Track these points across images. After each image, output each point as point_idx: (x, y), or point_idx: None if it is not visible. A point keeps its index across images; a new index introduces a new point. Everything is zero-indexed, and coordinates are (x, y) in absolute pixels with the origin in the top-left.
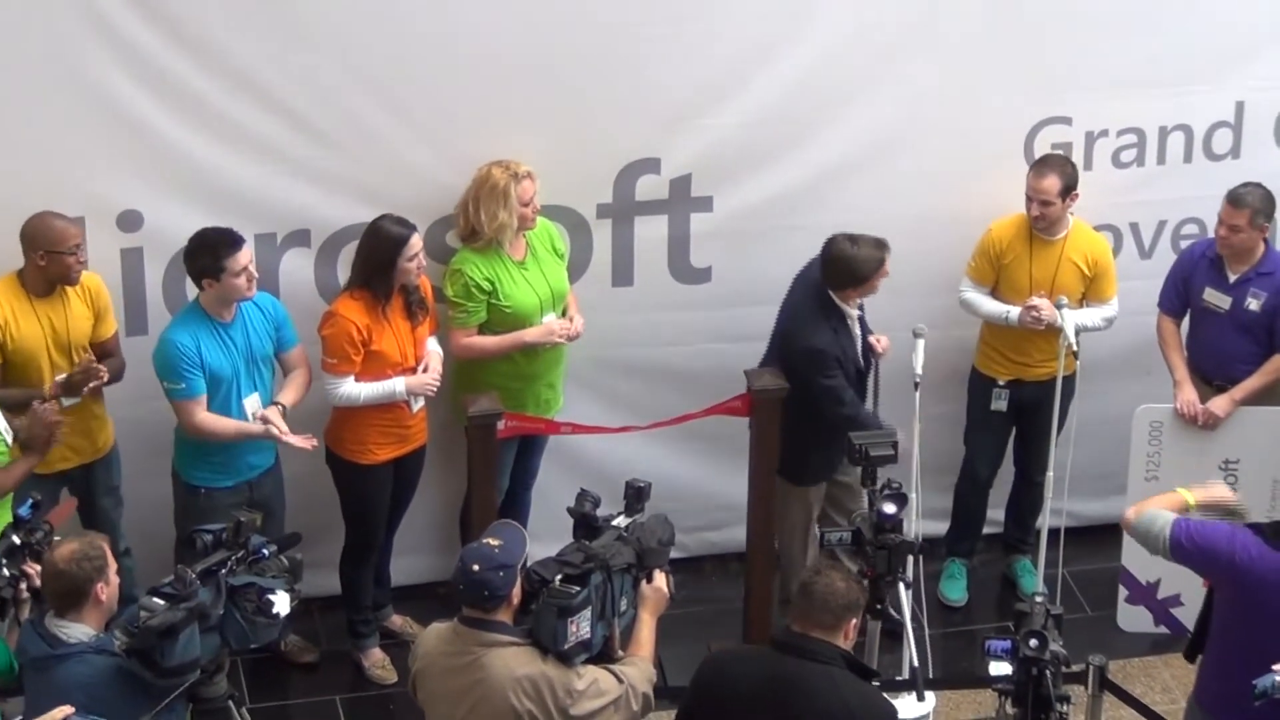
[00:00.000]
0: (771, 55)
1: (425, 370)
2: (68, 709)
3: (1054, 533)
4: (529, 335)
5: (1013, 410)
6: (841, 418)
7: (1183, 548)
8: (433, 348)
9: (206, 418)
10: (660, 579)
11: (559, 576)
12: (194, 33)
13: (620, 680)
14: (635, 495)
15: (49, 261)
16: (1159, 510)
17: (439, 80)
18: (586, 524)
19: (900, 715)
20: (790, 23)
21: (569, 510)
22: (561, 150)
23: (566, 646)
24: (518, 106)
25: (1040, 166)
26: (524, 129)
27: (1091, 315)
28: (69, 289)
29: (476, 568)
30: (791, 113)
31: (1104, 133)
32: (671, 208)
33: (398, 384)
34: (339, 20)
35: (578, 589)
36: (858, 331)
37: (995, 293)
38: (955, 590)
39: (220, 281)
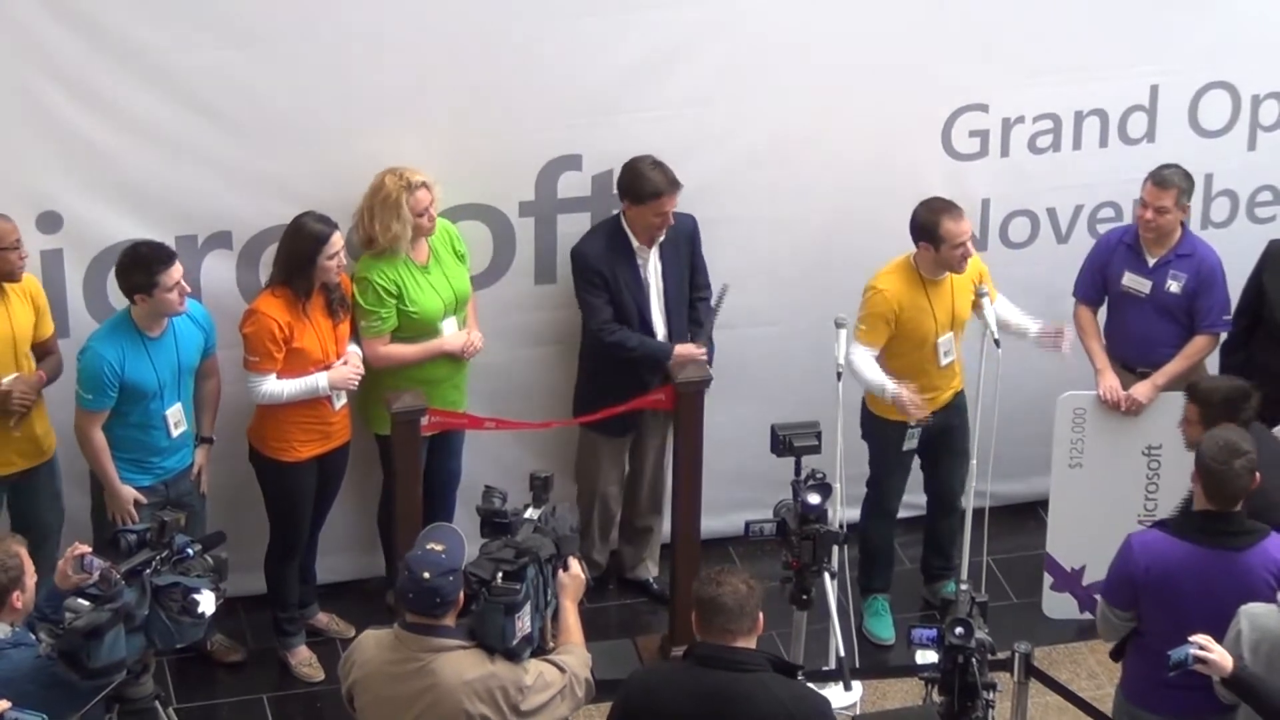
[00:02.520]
0: (689, 49)
1: (346, 364)
2: (4, 703)
3: (977, 521)
4: (449, 344)
5: (925, 445)
6: (596, 332)
7: (1115, 594)
8: (353, 348)
9: (97, 434)
10: (575, 565)
11: (499, 574)
12: (112, 31)
13: (562, 670)
14: (542, 486)
15: None
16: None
17: (359, 79)
18: (496, 519)
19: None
20: (708, 15)
21: (478, 509)
22: (483, 149)
23: (514, 643)
24: (438, 105)
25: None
26: (445, 128)
27: (1009, 310)
28: (10, 289)
29: (427, 575)
30: (710, 106)
31: (1020, 119)
32: (594, 204)
33: (320, 379)
34: (260, 19)
35: (518, 585)
36: (649, 279)
37: (892, 343)
38: (884, 629)
39: (153, 297)
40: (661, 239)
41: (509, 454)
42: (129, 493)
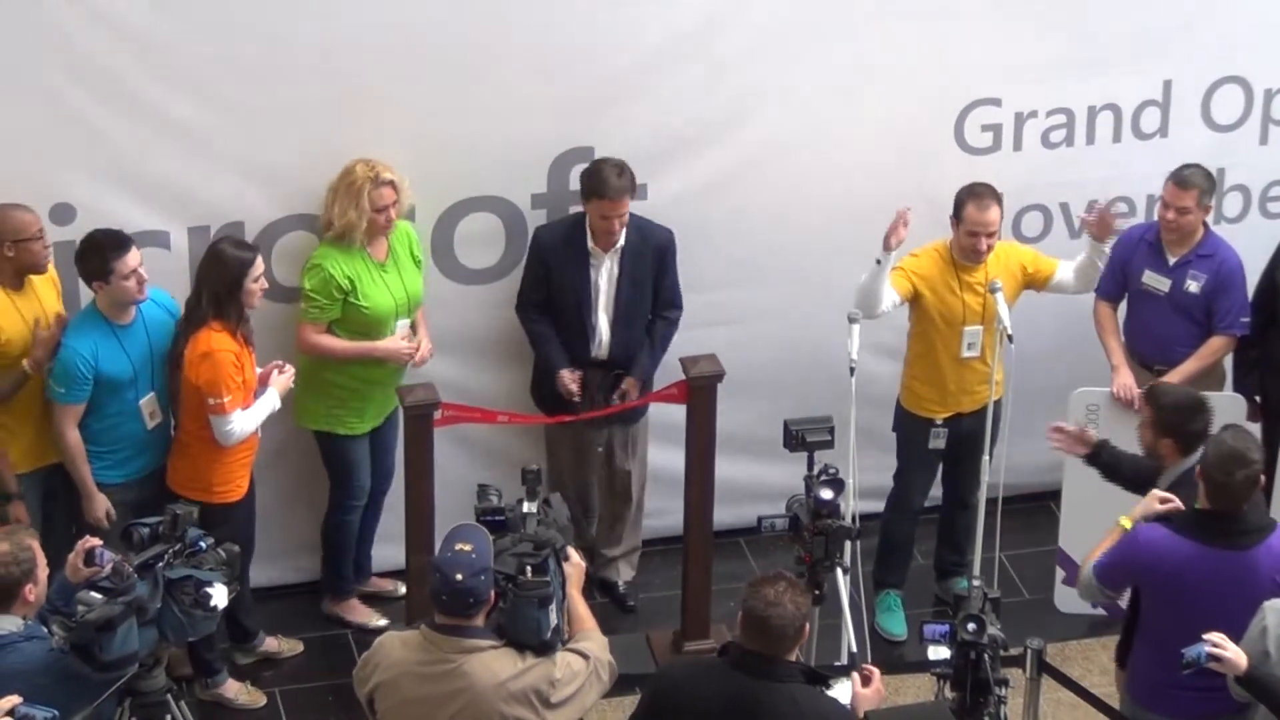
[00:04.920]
0: (701, 42)
1: (280, 372)
2: (15, 698)
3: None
4: (379, 348)
5: (949, 444)
6: (517, 311)
7: (1108, 578)
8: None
9: (73, 433)
10: (574, 554)
11: (528, 569)
12: (125, 24)
13: (586, 657)
14: (535, 479)
15: (18, 252)
16: (1086, 562)
17: (373, 71)
18: (494, 517)
19: (840, 700)
20: (720, 8)
21: (475, 507)
22: (495, 140)
23: (549, 635)
24: (451, 97)
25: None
26: (457, 119)
27: (1085, 261)
28: (35, 280)
29: (460, 577)
30: (722, 99)
31: (1033, 114)
32: None
33: (272, 397)
34: (268, 9)
35: (547, 577)
36: (600, 283)
37: (917, 321)
38: (896, 624)
39: (109, 284)
40: (619, 245)
41: (495, 444)
42: (104, 501)
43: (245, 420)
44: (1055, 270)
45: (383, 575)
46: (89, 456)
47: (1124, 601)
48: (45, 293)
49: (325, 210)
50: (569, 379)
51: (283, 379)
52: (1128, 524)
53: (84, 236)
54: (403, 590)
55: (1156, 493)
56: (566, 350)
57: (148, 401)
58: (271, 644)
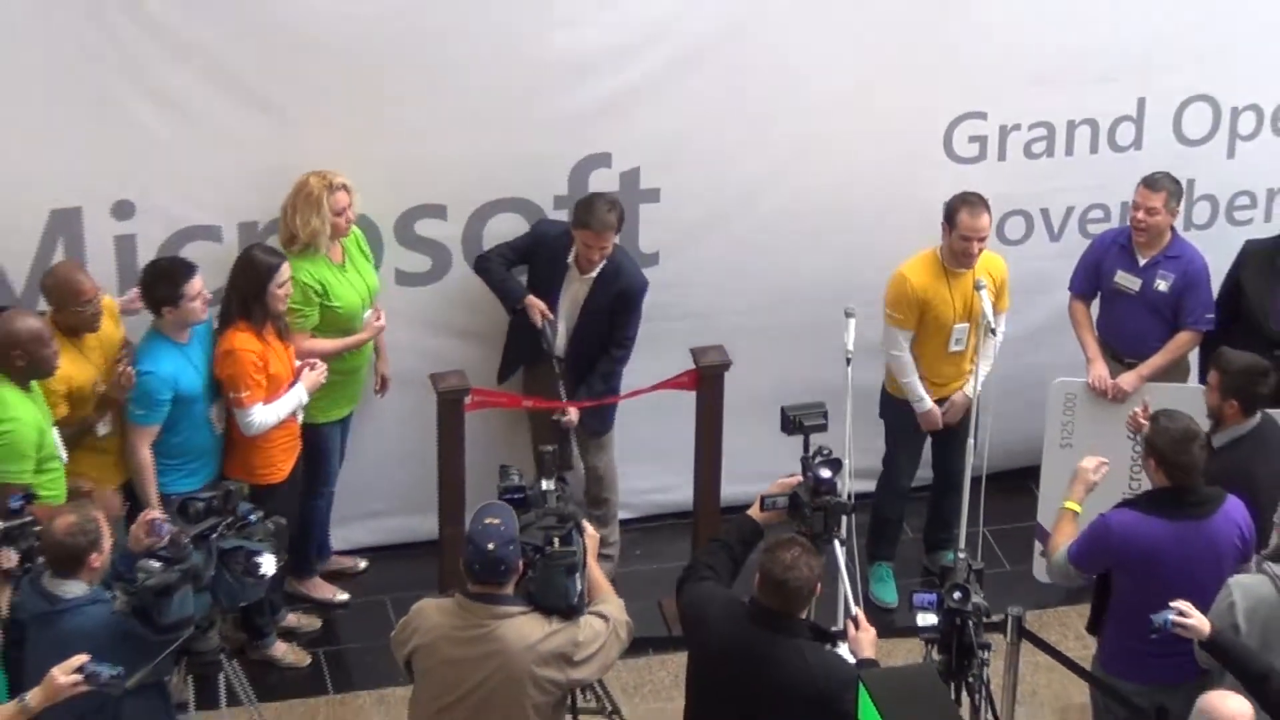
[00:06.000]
0: (707, 57)
1: (312, 369)
2: (83, 656)
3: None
4: (362, 336)
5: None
6: (485, 253)
7: (1082, 562)
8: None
9: (145, 451)
10: (589, 526)
11: (555, 539)
12: (178, 29)
13: (605, 618)
14: (552, 459)
15: (70, 316)
16: (1057, 548)
17: (409, 80)
18: (515, 495)
19: (844, 656)
20: (723, 24)
21: (498, 487)
22: (521, 147)
23: (576, 601)
24: (481, 104)
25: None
26: (486, 127)
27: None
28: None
29: (492, 547)
30: (729, 109)
31: (1017, 126)
32: (622, 198)
33: (299, 391)
34: (312, 18)
35: (573, 547)
36: (565, 293)
37: (918, 324)
38: (888, 593)
39: (179, 308)
40: (594, 273)
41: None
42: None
43: (266, 413)
44: (1004, 309)
45: (343, 554)
46: (164, 469)
47: None
48: (106, 327)
49: (285, 226)
50: (536, 304)
51: (313, 375)
52: (1074, 506)
53: (147, 266)
54: (362, 565)
55: (1083, 463)
56: (527, 332)
57: (216, 409)
58: (291, 619)
